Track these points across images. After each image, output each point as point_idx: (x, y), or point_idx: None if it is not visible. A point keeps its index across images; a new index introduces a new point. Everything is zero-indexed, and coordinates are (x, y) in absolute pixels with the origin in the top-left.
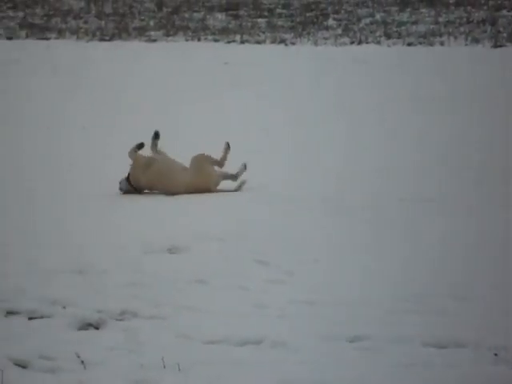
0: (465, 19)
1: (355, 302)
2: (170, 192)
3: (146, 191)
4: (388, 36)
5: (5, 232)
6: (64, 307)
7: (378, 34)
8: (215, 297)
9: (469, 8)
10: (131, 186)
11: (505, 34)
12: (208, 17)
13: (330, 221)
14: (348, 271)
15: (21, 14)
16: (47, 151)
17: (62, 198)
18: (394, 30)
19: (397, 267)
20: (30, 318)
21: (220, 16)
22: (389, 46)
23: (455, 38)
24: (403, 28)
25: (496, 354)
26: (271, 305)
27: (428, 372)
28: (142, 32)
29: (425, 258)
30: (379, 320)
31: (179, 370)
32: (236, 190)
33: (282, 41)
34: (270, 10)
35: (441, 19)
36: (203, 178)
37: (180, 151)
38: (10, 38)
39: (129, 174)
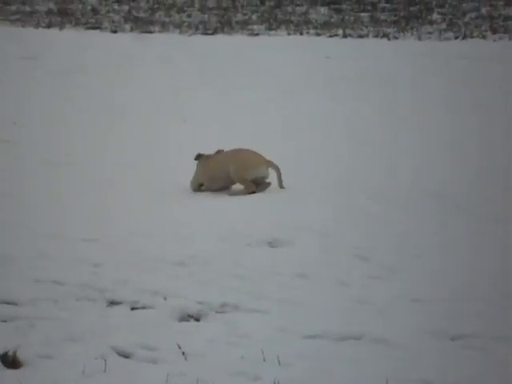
0: None
1: (458, 300)
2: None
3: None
4: (494, 31)
5: (110, 223)
6: (165, 298)
7: (483, 28)
8: (316, 291)
9: None
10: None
11: None
12: (310, 11)
13: (432, 217)
14: (451, 267)
15: (125, 7)
16: (146, 143)
17: (166, 190)
18: (500, 24)
19: (502, 263)
20: (133, 309)
21: (322, 10)
22: (494, 40)
23: None
24: (510, 22)
25: None
26: (372, 300)
27: None
28: (244, 26)
29: None
30: (483, 318)
31: (279, 363)
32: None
33: (385, 35)
34: (373, 4)
35: None
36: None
37: (279, 145)
38: (114, 32)
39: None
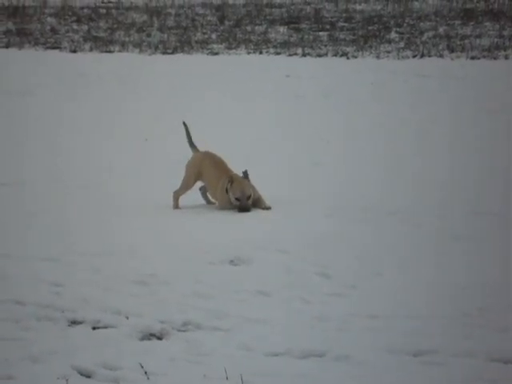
0: None
1: (419, 316)
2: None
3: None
4: (451, 49)
5: (71, 242)
6: (127, 317)
7: (440, 47)
8: (277, 309)
9: None
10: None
11: None
12: (270, 30)
13: (393, 233)
14: (411, 285)
15: (85, 27)
16: (110, 163)
17: (126, 208)
18: (458, 43)
19: (461, 281)
20: (94, 328)
21: (282, 29)
22: (452, 59)
23: None
24: (466, 41)
25: None
26: (333, 318)
27: None
28: (204, 45)
29: (490, 271)
30: (443, 334)
31: (242, 381)
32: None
33: (344, 54)
34: (332, 24)
35: (505, 33)
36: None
37: (240, 164)
38: (74, 51)
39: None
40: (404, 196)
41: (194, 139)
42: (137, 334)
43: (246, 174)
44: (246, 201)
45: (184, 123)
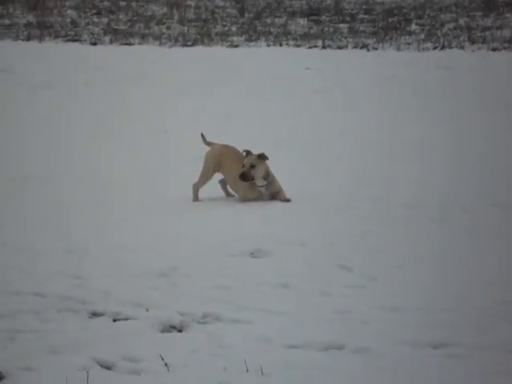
0: None
1: (439, 309)
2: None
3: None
4: (472, 41)
5: (90, 236)
6: (147, 310)
7: (461, 39)
8: (297, 301)
9: None
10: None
11: None
12: (290, 22)
13: (414, 227)
14: (432, 278)
15: (105, 19)
16: (130, 155)
17: (147, 201)
18: (478, 34)
19: (482, 274)
20: (115, 320)
21: (302, 21)
22: (473, 51)
23: None
24: (487, 33)
25: None
26: (354, 310)
27: None
28: (224, 37)
29: (510, 264)
30: (465, 327)
31: (262, 373)
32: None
33: (364, 46)
34: (352, 16)
35: None
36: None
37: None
38: (94, 44)
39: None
40: (424, 190)
41: (211, 137)
42: (157, 326)
43: (263, 155)
44: (248, 168)
45: (201, 134)
